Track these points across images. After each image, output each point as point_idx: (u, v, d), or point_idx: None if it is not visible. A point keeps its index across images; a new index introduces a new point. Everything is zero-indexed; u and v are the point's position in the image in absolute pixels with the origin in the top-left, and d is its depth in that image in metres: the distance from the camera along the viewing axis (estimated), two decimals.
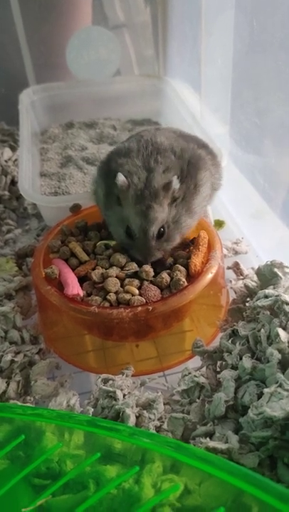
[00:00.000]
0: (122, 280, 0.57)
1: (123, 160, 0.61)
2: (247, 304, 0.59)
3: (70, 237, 0.65)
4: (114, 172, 0.59)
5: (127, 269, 0.58)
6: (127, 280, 0.57)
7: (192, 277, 0.58)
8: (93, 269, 0.59)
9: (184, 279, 0.56)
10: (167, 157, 0.60)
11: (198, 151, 0.64)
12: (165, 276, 0.57)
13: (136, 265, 0.58)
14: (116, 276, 0.57)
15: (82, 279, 0.59)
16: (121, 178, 0.57)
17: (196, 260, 0.59)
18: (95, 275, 0.57)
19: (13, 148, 1.04)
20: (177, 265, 0.59)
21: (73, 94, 1.12)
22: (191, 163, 0.61)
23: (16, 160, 0.98)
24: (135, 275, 0.58)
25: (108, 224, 0.63)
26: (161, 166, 0.59)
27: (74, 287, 0.56)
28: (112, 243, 0.63)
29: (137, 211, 0.57)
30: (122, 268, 0.59)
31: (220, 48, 0.88)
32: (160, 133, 0.66)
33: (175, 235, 0.60)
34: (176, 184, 0.58)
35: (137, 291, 0.55)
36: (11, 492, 0.40)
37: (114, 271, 0.58)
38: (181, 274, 0.57)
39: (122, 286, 0.57)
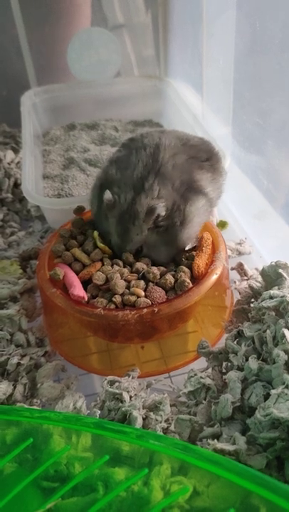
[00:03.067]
0: (127, 282, 0.57)
1: (118, 175, 0.61)
2: (252, 305, 0.59)
3: (72, 241, 0.65)
4: (107, 185, 0.61)
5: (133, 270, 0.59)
6: (133, 282, 0.57)
7: (196, 279, 0.58)
8: (97, 271, 0.59)
9: (188, 281, 0.56)
10: (164, 186, 0.60)
11: (198, 183, 0.63)
12: (169, 277, 0.57)
13: (144, 266, 0.59)
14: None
15: (87, 282, 0.59)
16: (108, 195, 0.59)
17: (200, 262, 0.59)
18: (97, 279, 0.57)
19: (16, 151, 1.04)
20: (181, 266, 0.59)
21: (74, 96, 1.13)
22: (185, 197, 0.60)
23: (18, 162, 0.99)
24: (141, 277, 0.58)
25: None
26: (154, 193, 0.59)
27: (80, 289, 0.56)
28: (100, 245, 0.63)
29: (116, 230, 0.59)
30: (130, 267, 0.59)
31: (221, 49, 0.88)
32: (164, 141, 0.64)
33: (156, 256, 0.61)
34: (161, 211, 0.58)
35: (142, 293, 0.56)
36: (20, 495, 0.40)
37: (118, 273, 0.58)
38: (185, 275, 0.57)
39: (127, 287, 0.57)
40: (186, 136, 0.70)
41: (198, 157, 0.66)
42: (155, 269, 0.57)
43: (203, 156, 0.67)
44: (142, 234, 0.59)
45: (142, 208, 0.58)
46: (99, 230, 0.64)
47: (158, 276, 0.57)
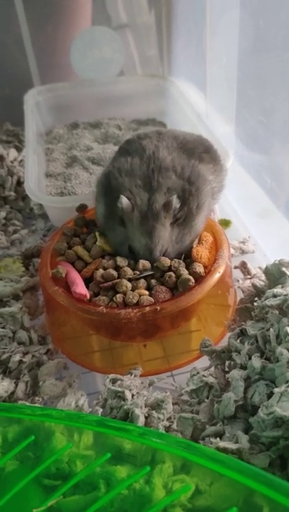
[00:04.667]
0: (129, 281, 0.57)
1: (125, 179, 0.61)
2: (255, 304, 0.59)
3: (75, 239, 0.65)
4: (116, 192, 0.60)
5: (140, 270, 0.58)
6: (135, 282, 0.56)
7: (194, 260, 0.58)
8: (97, 268, 0.59)
9: (192, 279, 0.56)
10: (168, 177, 0.60)
11: (198, 166, 0.64)
12: (172, 274, 0.57)
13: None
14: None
15: (89, 280, 0.59)
16: (125, 200, 0.58)
17: (199, 248, 0.59)
18: (101, 277, 0.57)
19: (19, 149, 1.04)
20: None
21: (78, 95, 1.13)
22: (192, 181, 0.61)
23: (21, 160, 0.98)
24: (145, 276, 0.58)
25: (110, 241, 0.63)
26: (163, 188, 0.59)
27: (82, 287, 0.56)
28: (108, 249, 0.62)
29: (141, 232, 0.58)
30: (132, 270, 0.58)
31: (225, 47, 0.87)
32: (162, 143, 0.65)
33: (177, 253, 0.61)
34: (176, 203, 0.58)
35: (146, 292, 0.55)
36: (21, 493, 0.39)
37: (123, 272, 0.57)
38: (188, 273, 0.57)
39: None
40: (182, 134, 0.71)
41: (196, 150, 0.67)
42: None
43: (201, 149, 0.68)
44: (166, 231, 0.58)
45: (159, 206, 0.58)
46: (109, 238, 0.63)
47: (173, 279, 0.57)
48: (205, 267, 0.58)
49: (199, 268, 0.57)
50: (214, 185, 0.66)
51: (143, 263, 0.57)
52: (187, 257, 0.60)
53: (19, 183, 0.94)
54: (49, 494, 0.39)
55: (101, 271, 0.58)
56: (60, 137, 1.06)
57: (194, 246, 0.61)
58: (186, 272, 0.57)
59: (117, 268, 0.58)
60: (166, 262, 0.57)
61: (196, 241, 0.62)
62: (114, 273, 0.57)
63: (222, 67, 0.91)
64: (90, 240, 0.64)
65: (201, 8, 0.93)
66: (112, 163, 0.68)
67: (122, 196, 0.58)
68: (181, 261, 0.58)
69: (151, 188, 0.59)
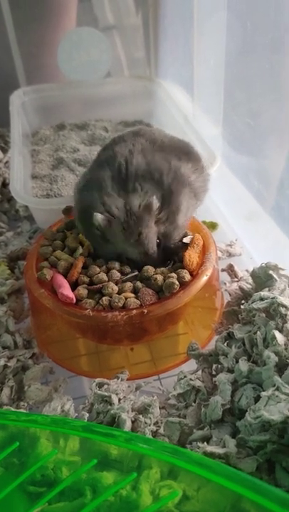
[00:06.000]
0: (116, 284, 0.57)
1: (94, 195, 0.58)
2: (242, 307, 0.59)
3: (56, 242, 0.64)
4: (89, 211, 0.57)
5: (125, 273, 0.58)
6: (122, 284, 0.56)
7: (186, 267, 0.57)
8: (84, 267, 0.59)
9: (177, 282, 0.55)
10: (146, 182, 0.58)
11: (180, 170, 0.62)
12: (159, 277, 0.56)
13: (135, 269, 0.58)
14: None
15: (74, 285, 0.58)
16: (100, 216, 0.55)
17: (191, 252, 0.59)
18: (86, 280, 0.57)
19: (4, 150, 1.03)
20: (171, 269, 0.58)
21: (64, 96, 1.12)
22: (171, 189, 0.59)
23: (7, 162, 0.98)
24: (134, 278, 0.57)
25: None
26: (138, 189, 0.57)
27: (70, 290, 0.56)
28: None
29: (130, 242, 0.56)
30: (121, 273, 0.58)
31: (212, 49, 0.87)
32: (137, 146, 0.63)
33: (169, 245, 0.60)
34: (156, 204, 0.56)
35: (132, 294, 0.55)
36: (5, 500, 0.39)
37: (111, 275, 0.57)
38: (173, 277, 0.57)
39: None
40: (160, 135, 0.69)
41: (174, 151, 0.65)
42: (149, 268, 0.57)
43: (182, 150, 0.66)
44: (152, 230, 0.57)
45: (136, 208, 0.56)
46: (103, 256, 0.60)
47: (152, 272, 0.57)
48: (193, 271, 0.58)
49: (185, 274, 0.56)
50: (197, 185, 0.64)
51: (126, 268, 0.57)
52: (179, 260, 0.60)
53: (4, 184, 0.93)
54: (34, 501, 0.38)
55: (90, 273, 0.57)
56: (46, 138, 1.06)
57: (185, 241, 0.61)
58: (173, 275, 0.56)
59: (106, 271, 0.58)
60: (151, 270, 0.57)
61: (186, 239, 0.62)
62: (105, 277, 0.56)
63: (209, 69, 0.91)
64: (72, 241, 0.63)
65: (189, 9, 0.93)
66: (83, 184, 0.65)
67: (95, 214, 0.56)
68: (167, 269, 0.58)
69: (126, 191, 0.58)
